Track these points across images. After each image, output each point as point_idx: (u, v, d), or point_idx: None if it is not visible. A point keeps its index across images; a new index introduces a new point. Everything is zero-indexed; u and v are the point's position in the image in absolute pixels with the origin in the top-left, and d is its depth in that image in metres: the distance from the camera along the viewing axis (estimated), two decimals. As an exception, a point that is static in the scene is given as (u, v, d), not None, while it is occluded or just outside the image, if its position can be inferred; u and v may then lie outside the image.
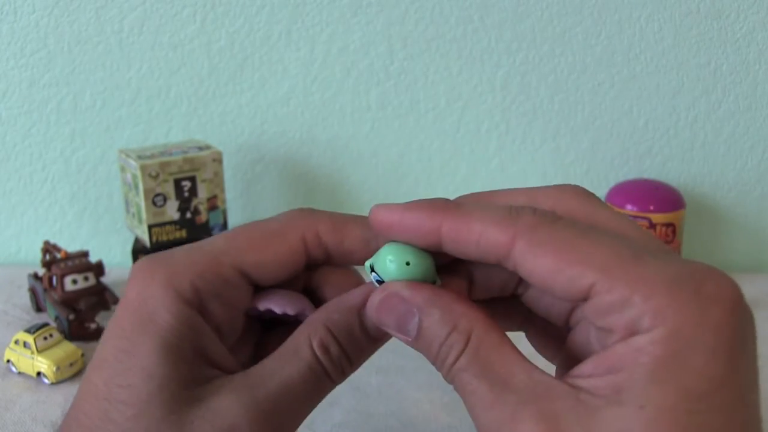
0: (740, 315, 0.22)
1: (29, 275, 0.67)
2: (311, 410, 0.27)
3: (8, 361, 0.56)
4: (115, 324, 0.26)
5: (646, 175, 0.80)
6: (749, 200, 0.82)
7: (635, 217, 0.73)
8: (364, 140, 0.79)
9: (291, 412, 0.26)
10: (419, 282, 0.26)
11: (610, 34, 0.76)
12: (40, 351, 0.55)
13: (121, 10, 0.73)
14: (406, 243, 0.26)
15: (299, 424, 0.27)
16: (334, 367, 0.27)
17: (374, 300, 0.26)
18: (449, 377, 0.25)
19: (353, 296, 0.27)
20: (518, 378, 0.23)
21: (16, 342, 0.56)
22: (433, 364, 0.25)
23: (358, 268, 0.29)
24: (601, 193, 0.80)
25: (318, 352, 0.26)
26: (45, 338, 0.55)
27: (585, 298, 0.23)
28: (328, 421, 0.50)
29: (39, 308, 0.66)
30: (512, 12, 0.75)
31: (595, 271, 0.22)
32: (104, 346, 0.26)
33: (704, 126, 0.79)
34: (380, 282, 0.26)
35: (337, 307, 0.27)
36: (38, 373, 0.55)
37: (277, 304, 0.28)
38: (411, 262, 0.26)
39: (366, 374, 0.56)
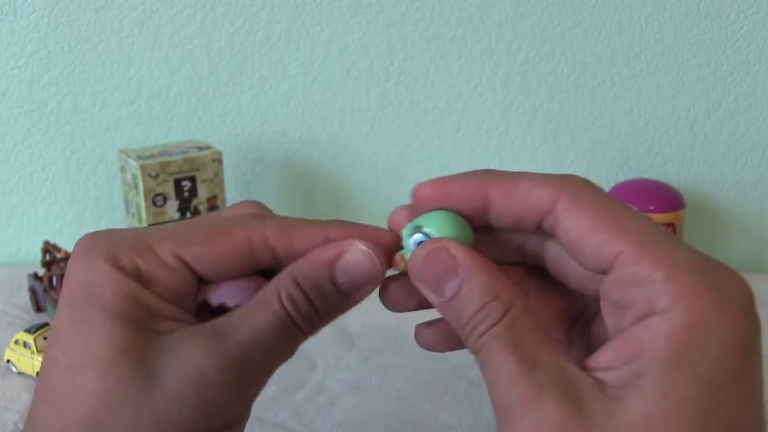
0: (753, 314, 0.22)
1: (29, 275, 0.67)
2: (282, 361, 0.27)
3: (8, 361, 0.56)
4: (65, 298, 0.26)
5: (646, 175, 0.80)
6: (749, 200, 0.82)
7: (635, 217, 0.73)
8: (364, 140, 0.79)
9: (261, 361, 0.26)
10: (466, 246, 0.26)
11: (610, 34, 0.76)
12: (40, 351, 0.55)
13: (121, 10, 0.73)
14: (450, 210, 0.26)
15: (269, 375, 0.27)
16: (303, 320, 0.26)
17: (421, 252, 0.26)
18: (477, 344, 0.24)
19: (325, 250, 0.27)
20: (547, 360, 0.23)
21: (16, 342, 0.56)
22: (460, 329, 0.25)
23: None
24: (601, 193, 0.80)
25: (286, 305, 0.26)
26: (45, 338, 0.55)
27: (608, 269, 0.23)
28: (328, 421, 0.50)
29: (39, 308, 0.66)
30: (512, 12, 0.75)
31: (626, 239, 0.23)
32: (58, 321, 0.26)
33: (704, 126, 0.79)
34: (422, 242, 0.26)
35: (307, 260, 0.27)
36: (38, 373, 0.55)
37: (230, 297, 0.27)
38: (463, 225, 0.26)
39: (366, 374, 0.56)
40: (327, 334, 0.62)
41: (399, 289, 0.28)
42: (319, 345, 0.59)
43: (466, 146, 0.79)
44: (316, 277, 0.26)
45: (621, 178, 0.80)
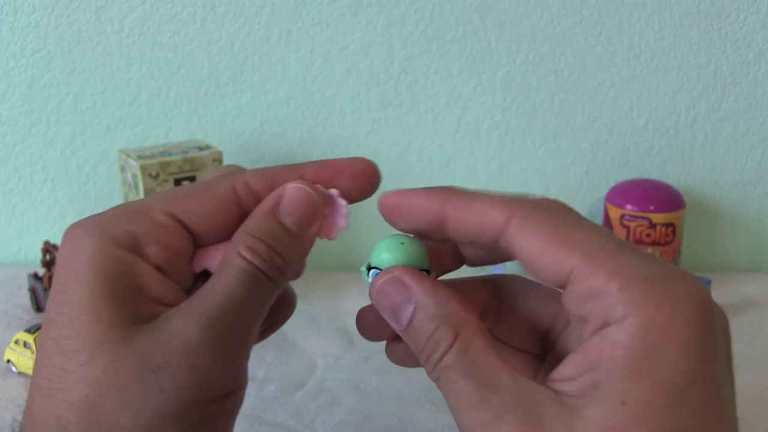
0: (710, 313, 0.22)
1: (29, 275, 0.67)
2: (262, 315, 0.28)
3: (8, 361, 0.56)
4: (54, 285, 0.26)
5: (646, 175, 0.80)
6: (749, 200, 0.82)
7: (635, 217, 0.73)
8: (364, 140, 0.79)
9: (238, 316, 0.26)
10: (420, 272, 0.27)
11: (610, 34, 0.76)
12: (40, 351, 0.55)
13: (121, 10, 0.73)
14: (400, 234, 0.28)
15: (251, 332, 0.28)
16: (267, 266, 0.27)
17: (377, 282, 0.27)
18: (434, 374, 0.25)
19: (265, 202, 0.28)
20: (504, 381, 0.23)
21: (16, 342, 0.56)
22: (419, 357, 0.26)
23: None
24: (601, 193, 0.80)
25: (247, 255, 0.27)
26: (45, 338, 0.55)
27: (565, 285, 0.24)
28: (328, 421, 0.50)
29: (39, 308, 0.66)
30: (512, 12, 0.75)
31: (577, 255, 0.23)
32: (48, 309, 0.26)
33: (704, 126, 0.79)
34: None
35: (254, 214, 0.28)
36: (38, 373, 0.54)
37: (212, 262, 0.28)
38: (405, 243, 0.27)
39: (366, 374, 0.56)
40: (327, 334, 0.62)
41: (373, 318, 0.29)
42: (319, 345, 0.59)
43: (466, 146, 0.79)
44: (266, 225, 0.27)
45: (621, 178, 0.80)
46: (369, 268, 0.28)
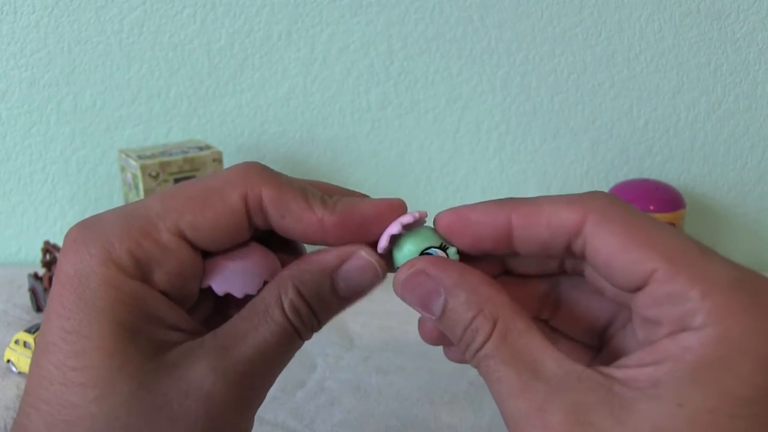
0: None
1: (29, 275, 0.67)
2: (283, 369, 0.27)
3: (8, 361, 0.56)
4: (56, 302, 0.24)
5: (646, 175, 0.80)
6: (749, 200, 0.82)
7: (635, 217, 0.73)
8: (364, 140, 0.79)
9: (265, 372, 0.26)
10: (443, 258, 0.25)
11: (610, 34, 0.76)
12: (40, 351, 0.55)
13: (121, 10, 0.73)
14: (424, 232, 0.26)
15: (271, 386, 0.26)
16: (304, 327, 0.26)
17: (400, 277, 0.25)
18: (474, 362, 0.24)
19: (328, 257, 0.26)
20: (547, 366, 0.23)
21: (17, 342, 0.56)
22: (459, 346, 0.25)
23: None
24: (601, 193, 0.80)
25: (290, 315, 0.25)
26: (45, 338, 0.55)
27: (641, 286, 0.23)
28: (328, 421, 0.50)
29: (39, 308, 0.66)
30: (512, 12, 0.75)
31: (660, 257, 0.22)
32: (49, 327, 0.24)
33: (704, 126, 0.79)
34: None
35: (308, 266, 0.26)
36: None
37: (236, 287, 0.26)
38: (409, 231, 0.26)
39: (366, 374, 0.56)
40: (327, 334, 0.62)
41: (432, 325, 0.27)
42: (319, 345, 0.59)
43: (466, 146, 0.79)
44: (318, 284, 0.26)
45: (621, 178, 0.80)
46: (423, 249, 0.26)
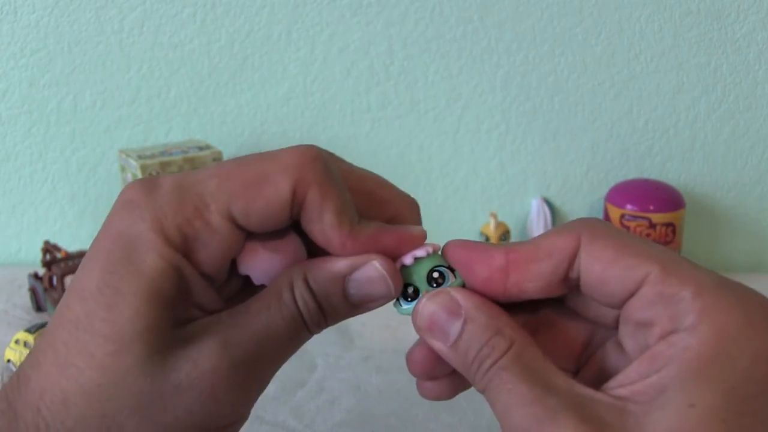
0: None
1: (29, 275, 0.67)
2: (285, 359, 0.27)
3: (8, 360, 0.56)
4: (99, 253, 0.25)
5: (646, 175, 0.80)
6: (749, 200, 0.82)
7: (635, 217, 0.73)
8: (364, 140, 0.79)
9: (270, 356, 0.26)
10: (466, 288, 0.26)
11: (610, 34, 0.76)
12: (40, 351, 0.55)
13: (121, 10, 0.73)
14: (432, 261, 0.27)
15: (273, 373, 0.27)
16: (311, 320, 0.27)
17: (423, 302, 0.26)
18: (485, 379, 0.24)
19: (341, 263, 0.26)
20: (560, 386, 0.23)
21: (17, 342, 0.56)
22: (467, 368, 0.25)
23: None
24: (601, 193, 0.80)
25: (300, 305, 0.26)
26: (45, 338, 0.55)
27: (633, 292, 0.24)
28: (328, 421, 0.50)
29: (39, 308, 0.66)
30: (512, 12, 0.75)
31: (652, 262, 0.23)
32: (89, 274, 0.25)
33: (704, 126, 0.79)
34: (410, 296, 0.27)
35: (323, 266, 0.26)
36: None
37: (257, 275, 0.27)
38: (424, 256, 0.27)
39: (366, 374, 0.56)
40: (327, 334, 0.62)
41: (424, 357, 0.28)
42: (319, 345, 0.59)
43: (466, 146, 0.79)
44: (328, 285, 0.26)
45: (621, 178, 0.80)
46: (402, 295, 0.27)
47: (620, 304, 0.25)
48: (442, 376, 0.28)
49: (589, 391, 0.23)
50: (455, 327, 0.25)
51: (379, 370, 0.57)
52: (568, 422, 0.22)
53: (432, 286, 0.27)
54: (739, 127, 0.79)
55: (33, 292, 0.66)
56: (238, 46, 0.75)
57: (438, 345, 0.26)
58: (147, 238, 0.24)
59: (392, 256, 0.27)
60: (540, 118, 0.79)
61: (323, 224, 0.26)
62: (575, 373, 0.29)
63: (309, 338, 0.27)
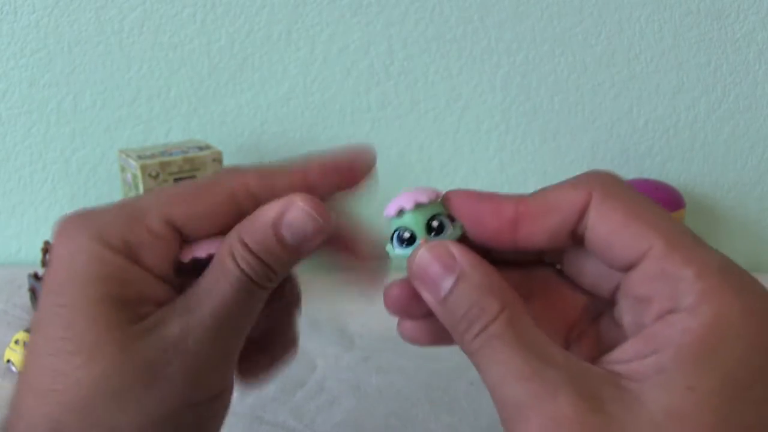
0: None
1: (29, 275, 0.67)
2: (252, 320, 0.28)
3: (8, 361, 0.56)
4: (48, 283, 0.26)
5: (646, 175, 0.80)
6: (749, 200, 0.82)
7: (635, 217, 0.73)
8: (364, 140, 0.79)
9: (232, 325, 0.27)
10: (465, 245, 0.26)
11: (610, 34, 0.76)
12: (40, 351, 0.55)
13: (121, 10, 0.73)
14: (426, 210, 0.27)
15: (242, 337, 0.28)
16: (259, 277, 0.27)
17: (419, 252, 0.26)
18: (474, 343, 0.24)
19: (269, 210, 0.27)
20: (557, 358, 0.22)
21: (17, 342, 0.56)
22: (454, 327, 0.25)
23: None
24: (601, 193, 0.80)
25: (242, 265, 0.26)
26: (45, 338, 0.55)
27: (635, 263, 0.23)
28: (328, 421, 0.50)
29: (39, 308, 0.66)
30: (512, 12, 0.75)
31: (658, 235, 0.23)
32: (43, 306, 0.26)
33: (704, 126, 0.79)
34: (405, 241, 0.27)
35: (252, 220, 0.27)
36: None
37: (202, 249, 0.27)
38: (423, 202, 0.27)
39: (366, 374, 0.56)
40: (327, 334, 0.62)
41: (401, 294, 0.28)
42: (319, 345, 0.59)
43: (466, 146, 0.79)
44: (263, 238, 0.27)
45: (621, 178, 0.80)
46: (396, 238, 0.27)
47: (621, 269, 0.24)
48: (419, 316, 0.28)
49: (585, 364, 0.23)
50: (447, 282, 0.25)
51: (379, 370, 0.57)
52: (567, 399, 0.21)
53: (429, 235, 0.26)
54: (739, 127, 0.79)
55: (33, 292, 0.66)
56: (238, 46, 0.75)
57: (428, 297, 0.25)
58: (87, 249, 0.25)
59: (346, 186, 0.28)
60: (540, 118, 0.79)
61: (281, 185, 0.27)
62: (565, 347, 0.28)
63: (266, 295, 0.27)
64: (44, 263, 0.64)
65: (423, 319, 0.28)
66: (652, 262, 0.23)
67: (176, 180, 0.67)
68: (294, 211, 0.27)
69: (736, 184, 0.81)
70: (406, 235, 0.27)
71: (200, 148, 0.70)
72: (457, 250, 0.25)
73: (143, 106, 0.77)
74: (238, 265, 0.26)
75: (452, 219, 0.27)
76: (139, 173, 0.65)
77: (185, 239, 0.27)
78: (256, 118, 0.78)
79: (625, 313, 0.25)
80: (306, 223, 0.27)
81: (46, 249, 0.66)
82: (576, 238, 0.25)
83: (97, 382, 0.24)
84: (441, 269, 0.25)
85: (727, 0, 0.75)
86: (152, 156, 0.67)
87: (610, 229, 0.24)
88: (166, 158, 0.67)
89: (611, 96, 0.78)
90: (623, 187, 0.25)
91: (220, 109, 0.77)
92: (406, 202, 0.27)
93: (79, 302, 0.25)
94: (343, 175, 0.29)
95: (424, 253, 0.26)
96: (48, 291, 0.25)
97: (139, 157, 0.66)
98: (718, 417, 0.21)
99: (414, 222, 0.27)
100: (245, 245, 0.26)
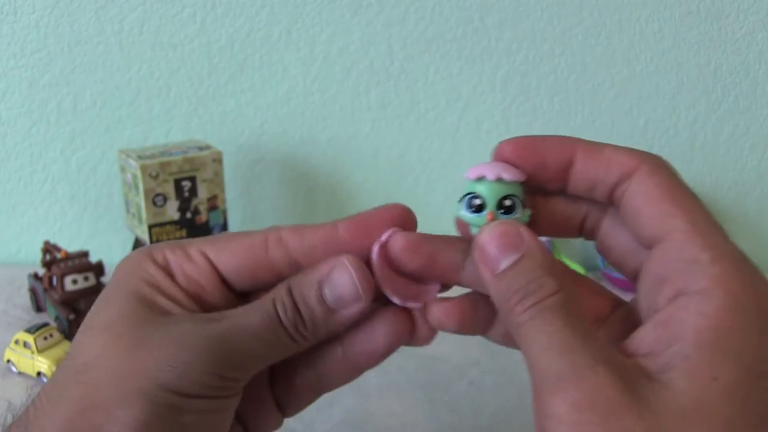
0: None
1: (29, 275, 0.67)
2: (267, 360, 0.29)
3: (8, 361, 0.56)
4: (103, 291, 0.30)
5: (646, 175, 0.80)
6: (749, 200, 0.82)
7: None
8: (364, 140, 0.79)
9: (245, 345, 0.27)
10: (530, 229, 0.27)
11: (610, 34, 0.76)
12: (40, 351, 0.55)
13: (121, 10, 0.73)
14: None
15: (256, 366, 0.28)
16: (289, 323, 0.28)
17: (492, 224, 0.27)
18: (525, 314, 0.24)
19: (321, 266, 0.28)
20: (599, 340, 0.24)
21: (17, 342, 0.56)
22: (507, 298, 0.25)
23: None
24: (601, 193, 0.80)
25: (278, 308, 0.28)
26: (45, 338, 0.55)
27: (658, 240, 0.25)
28: (328, 421, 0.50)
29: (39, 308, 0.66)
30: (512, 12, 0.75)
31: (685, 218, 0.24)
32: (90, 311, 0.29)
33: (704, 126, 0.79)
34: (474, 207, 0.28)
35: (302, 273, 0.29)
36: (38, 373, 0.55)
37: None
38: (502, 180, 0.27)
39: (366, 374, 0.56)
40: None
41: (407, 246, 0.29)
42: (319, 345, 0.59)
43: (466, 146, 0.79)
44: (306, 289, 0.28)
45: (621, 178, 0.80)
46: (467, 201, 0.28)
47: (645, 243, 0.26)
48: (448, 285, 0.30)
49: (620, 355, 0.23)
50: (509, 259, 0.26)
51: (379, 370, 0.56)
52: (607, 376, 0.22)
53: (498, 211, 0.27)
54: (739, 127, 0.79)
55: (33, 292, 0.66)
56: (238, 46, 0.75)
57: (484, 268, 0.26)
58: (137, 260, 0.30)
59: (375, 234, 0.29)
60: (540, 118, 0.79)
61: (307, 236, 0.29)
62: None
63: (293, 347, 0.28)
64: (44, 263, 0.64)
65: (451, 303, 0.30)
66: (674, 242, 0.24)
67: (176, 180, 0.67)
68: (339, 270, 0.28)
69: (736, 184, 0.81)
70: (477, 202, 0.28)
71: (200, 148, 0.70)
72: (526, 232, 0.26)
73: (143, 106, 0.77)
74: (274, 304, 0.28)
75: (524, 205, 0.28)
76: (139, 173, 0.65)
77: (219, 271, 0.30)
78: (256, 118, 0.78)
79: (643, 296, 0.26)
80: (346, 287, 0.28)
81: (46, 249, 0.66)
82: (614, 199, 0.27)
83: (100, 348, 0.27)
84: (505, 248, 0.26)
85: (727, 0, 0.75)
86: (152, 156, 0.67)
87: (644, 200, 0.25)
88: (166, 158, 0.67)
89: (611, 96, 0.78)
90: (671, 172, 0.27)
91: (220, 109, 0.77)
92: (490, 172, 0.27)
93: (116, 296, 0.28)
94: (373, 229, 0.29)
95: (495, 226, 0.27)
96: (100, 295, 0.29)
97: (139, 157, 0.66)
98: (739, 407, 0.21)
99: (489, 193, 0.27)
100: (289, 291, 0.28)
